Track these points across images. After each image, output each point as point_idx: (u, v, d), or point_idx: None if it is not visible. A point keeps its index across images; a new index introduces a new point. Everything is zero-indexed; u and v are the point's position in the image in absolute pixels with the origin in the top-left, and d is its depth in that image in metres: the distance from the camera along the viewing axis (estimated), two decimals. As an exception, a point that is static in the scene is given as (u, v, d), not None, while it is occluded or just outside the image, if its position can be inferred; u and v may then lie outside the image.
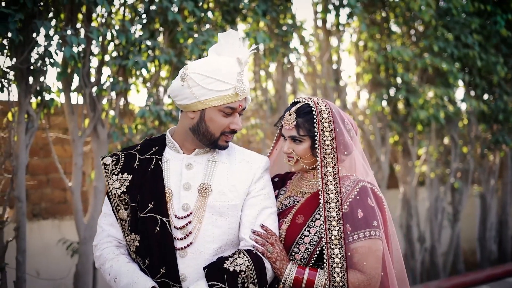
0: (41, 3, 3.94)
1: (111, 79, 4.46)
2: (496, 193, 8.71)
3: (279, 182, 2.87)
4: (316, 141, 2.57)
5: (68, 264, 5.04)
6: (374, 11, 6.64)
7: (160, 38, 4.78)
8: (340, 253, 2.48)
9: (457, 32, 6.82)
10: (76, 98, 4.45)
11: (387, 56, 6.44)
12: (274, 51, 5.60)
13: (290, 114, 2.64)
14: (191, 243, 2.48)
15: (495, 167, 8.34)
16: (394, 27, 6.90)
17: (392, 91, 6.71)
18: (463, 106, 7.44)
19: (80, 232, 4.46)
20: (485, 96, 7.74)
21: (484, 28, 7.18)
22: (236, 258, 2.46)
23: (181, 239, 2.49)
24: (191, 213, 2.50)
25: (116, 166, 2.61)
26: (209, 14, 4.95)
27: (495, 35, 7.23)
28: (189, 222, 2.50)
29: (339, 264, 2.48)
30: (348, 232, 2.51)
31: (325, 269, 2.49)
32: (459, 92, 7.60)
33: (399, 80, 6.68)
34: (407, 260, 7.27)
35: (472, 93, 7.63)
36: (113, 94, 4.59)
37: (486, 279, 7.31)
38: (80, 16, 4.31)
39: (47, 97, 4.17)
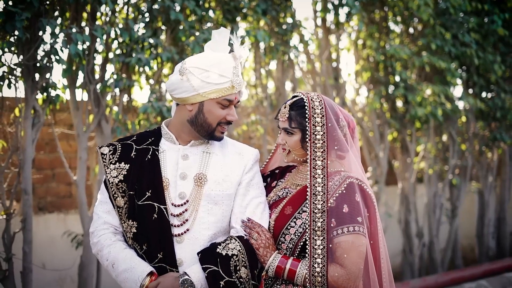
0: (47, 2, 4.06)
1: (115, 76, 4.57)
2: (494, 190, 8.79)
3: (279, 173, 2.98)
4: (307, 135, 2.67)
5: (73, 255, 5.17)
6: (373, 10, 6.74)
7: (163, 36, 4.88)
8: (322, 245, 2.56)
9: (454, 30, 6.92)
10: (81, 95, 4.56)
11: (386, 54, 6.55)
12: (274, 49, 5.71)
13: (285, 107, 2.77)
14: (187, 230, 2.62)
15: (493, 164, 8.43)
16: (393, 26, 7.00)
17: (390, 89, 6.81)
18: (461, 104, 7.54)
19: (84, 225, 4.58)
20: (483, 94, 7.83)
21: (482, 27, 7.28)
22: (228, 244, 2.59)
23: (178, 226, 2.62)
24: (187, 201, 2.64)
25: (113, 156, 2.73)
26: (210, 13, 5.07)
27: (492, 34, 7.32)
28: (186, 210, 2.63)
29: (321, 255, 2.55)
30: (332, 226, 2.58)
31: (307, 259, 2.58)
32: (458, 90, 7.71)
33: (397, 78, 6.77)
34: (406, 255, 7.37)
35: (470, 91, 7.72)
36: (116, 90, 4.69)
37: (483, 274, 7.38)
38: (85, 14, 4.42)
39: (53, 93, 4.27)
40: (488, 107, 7.67)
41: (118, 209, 2.68)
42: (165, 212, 2.61)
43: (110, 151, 2.75)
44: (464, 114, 7.69)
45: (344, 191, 2.63)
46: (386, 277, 2.77)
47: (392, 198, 7.72)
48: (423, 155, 7.59)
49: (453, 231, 7.93)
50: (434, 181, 7.58)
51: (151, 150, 2.72)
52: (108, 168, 2.71)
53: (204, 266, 2.53)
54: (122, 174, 2.68)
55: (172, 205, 2.64)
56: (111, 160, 2.72)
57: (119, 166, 2.70)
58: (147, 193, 2.63)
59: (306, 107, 2.69)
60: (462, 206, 8.01)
